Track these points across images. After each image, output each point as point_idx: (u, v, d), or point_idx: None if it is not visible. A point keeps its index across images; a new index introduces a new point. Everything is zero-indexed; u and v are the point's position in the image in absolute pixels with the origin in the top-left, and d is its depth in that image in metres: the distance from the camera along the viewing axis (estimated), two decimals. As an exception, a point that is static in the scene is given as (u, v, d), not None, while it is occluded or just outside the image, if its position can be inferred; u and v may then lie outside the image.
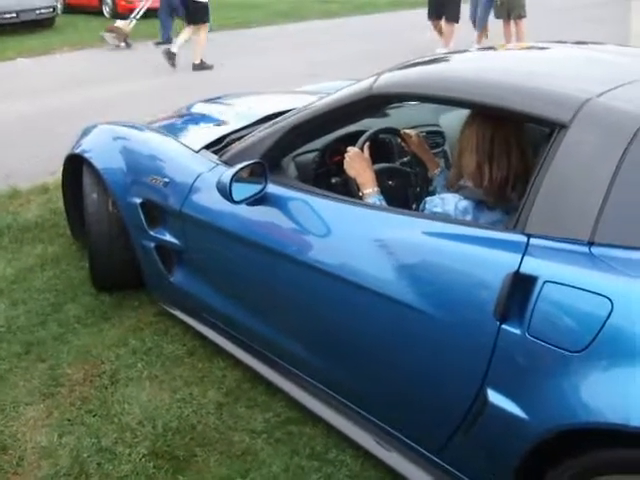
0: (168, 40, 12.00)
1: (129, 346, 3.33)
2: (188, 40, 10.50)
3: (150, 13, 13.17)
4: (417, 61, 2.71)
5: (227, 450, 2.69)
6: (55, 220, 4.80)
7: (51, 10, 15.17)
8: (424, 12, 11.22)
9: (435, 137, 3.52)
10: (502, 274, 1.89)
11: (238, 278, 2.97)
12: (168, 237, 3.24)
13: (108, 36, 12.66)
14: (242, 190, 2.61)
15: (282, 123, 2.81)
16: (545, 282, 1.82)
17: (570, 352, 1.76)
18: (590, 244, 1.82)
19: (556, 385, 1.79)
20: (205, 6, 10.20)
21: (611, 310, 1.70)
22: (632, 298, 1.71)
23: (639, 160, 1.83)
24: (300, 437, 2.74)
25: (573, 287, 1.78)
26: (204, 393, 2.99)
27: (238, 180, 2.59)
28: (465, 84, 2.30)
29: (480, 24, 10.85)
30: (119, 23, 12.91)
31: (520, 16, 10.32)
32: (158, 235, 3.28)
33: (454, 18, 10.75)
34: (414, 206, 2.88)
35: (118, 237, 3.55)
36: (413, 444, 2.36)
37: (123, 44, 12.51)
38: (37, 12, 14.73)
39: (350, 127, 3.05)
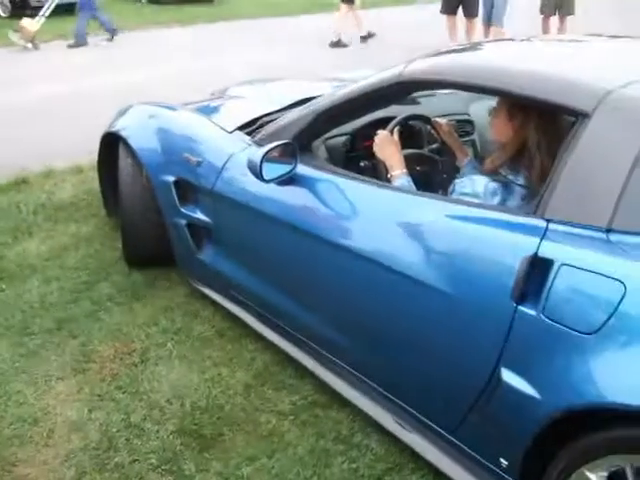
0: (82, 42, 11.59)
1: (159, 326, 3.37)
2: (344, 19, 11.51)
3: None
4: (447, 49, 2.76)
5: (254, 430, 2.72)
6: (89, 200, 4.86)
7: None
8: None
9: (465, 126, 3.54)
10: (520, 257, 1.94)
11: (266, 256, 3.04)
12: (199, 215, 3.32)
13: (15, 36, 11.39)
14: (272, 169, 2.68)
15: (314, 106, 2.87)
16: (561, 265, 1.86)
17: (583, 334, 1.80)
18: (608, 230, 1.85)
19: (569, 366, 1.83)
20: None
21: (624, 294, 1.73)
22: None
23: None
24: (326, 420, 2.75)
25: (588, 271, 1.83)
26: (232, 374, 3.02)
27: (269, 160, 2.66)
28: (492, 72, 2.35)
29: (500, 19, 10.04)
30: (25, 22, 11.45)
31: (569, 13, 10.02)
32: (190, 213, 3.36)
33: (473, 12, 10.25)
34: (440, 192, 2.89)
35: (151, 214, 3.62)
36: (430, 423, 2.40)
37: (30, 45, 11.32)
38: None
39: (381, 113, 3.07)
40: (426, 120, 3.17)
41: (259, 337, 3.21)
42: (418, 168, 2.93)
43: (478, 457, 2.23)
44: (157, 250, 3.77)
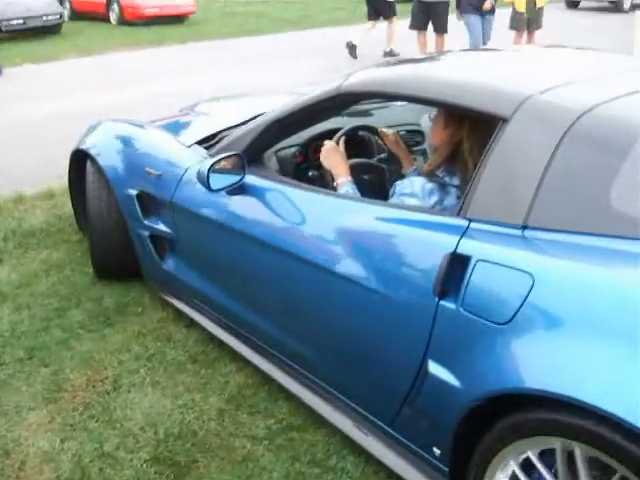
0: None
1: (132, 352, 3.34)
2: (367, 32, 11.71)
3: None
4: (385, 62, 2.92)
5: (228, 456, 2.70)
6: (60, 226, 4.82)
7: (58, 17, 15.24)
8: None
9: (416, 136, 3.69)
10: (441, 255, 2.05)
11: (221, 265, 3.17)
12: (161, 226, 3.44)
13: None
14: (220, 179, 2.84)
15: (261, 120, 2.99)
16: (478, 261, 1.98)
17: (497, 324, 1.91)
18: (524, 227, 1.97)
19: (485, 355, 1.93)
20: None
21: (532, 285, 1.84)
22: (551, 274, 1.87)
23: (571, 151, 1.99)
24: (301, 443, 2.74)
25: (501, 265, 1.94)
26: (206, 399, 3.00)
27: (217, 171, 2.81)
28: (424, 83, 2.49)
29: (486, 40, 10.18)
30: None
31: (538, 27, 10.32)
32: (152, 224, 3.48)
33: (443, 28, 10.30)
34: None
35: (118, 227, 3.73)
36: (372, 417, 2.50)
37: None
38: (44, 19, 14.81)
39: (330, 125, 3.21)
40: (374, 130, 3.32)
41: (232, 360, 3.21)
42: (366, 176, 3.06)
43: (415, 447, 2.32)
44: (125, 262, 3.87)
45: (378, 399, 2.46)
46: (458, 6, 9.98)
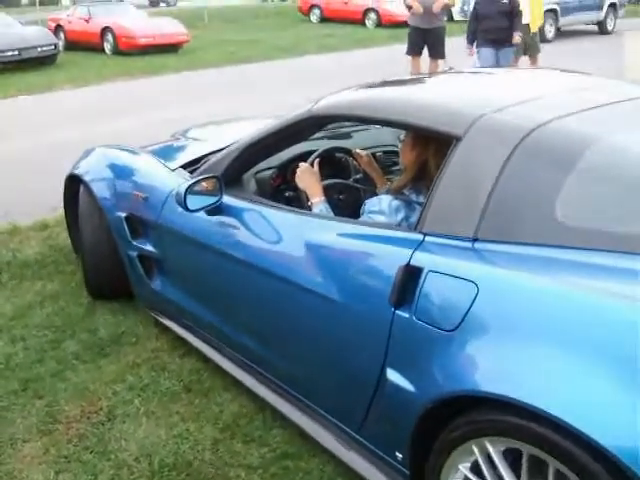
0: None
1: (126, 382, 3.34)
2: None
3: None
4: (355, 86, 3.00)
5: (223, 486, 2.70)
6: (54, 257, 4.85)
7: (53, 48, 15.42)
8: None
9: (394, 157, 3.75)
10: (397, 267, 2.15)
11: (202, 282, 3.28)
12: (148, 247, 3.57)
13: None
14: (197, 201, 2.94)
15: (238, 144, 3.10)
16: (429, 272, 2.09)
17: (445, 331, 2.00)
18: (474, 240, 2.07)
19: (436, 361, 2.02)
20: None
21: (477, 294, 1.94)
22: (494, 283, 1.97)
23: (519, 166, 2.08)
24: (296, 472, 2.74)
25: (450, 275, 2.04)
26: (200, 429, 3.00)
27: (194, 192, 2.92)
28: (385, 105, 2.62)
29: None
30: None
31: (537, 51, 10.53)
32: (140, 245, 3.61)
33: (439, 54, 10.25)
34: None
35: (109, 248, 3.85)
36: (343, 425, 2.56)
37: None
38: (39, 50, 14.98)
39: (308, 147, 3.33)
40: (348, 152, 3.42)
41: (226, 389, 3.22)
42: (340, 196, 3.19)
43: (381, 453, 2.38)
44: (116, 282, 3.99)
45: (346, 407, 2.52)
46: (470, 41, 9.63)
